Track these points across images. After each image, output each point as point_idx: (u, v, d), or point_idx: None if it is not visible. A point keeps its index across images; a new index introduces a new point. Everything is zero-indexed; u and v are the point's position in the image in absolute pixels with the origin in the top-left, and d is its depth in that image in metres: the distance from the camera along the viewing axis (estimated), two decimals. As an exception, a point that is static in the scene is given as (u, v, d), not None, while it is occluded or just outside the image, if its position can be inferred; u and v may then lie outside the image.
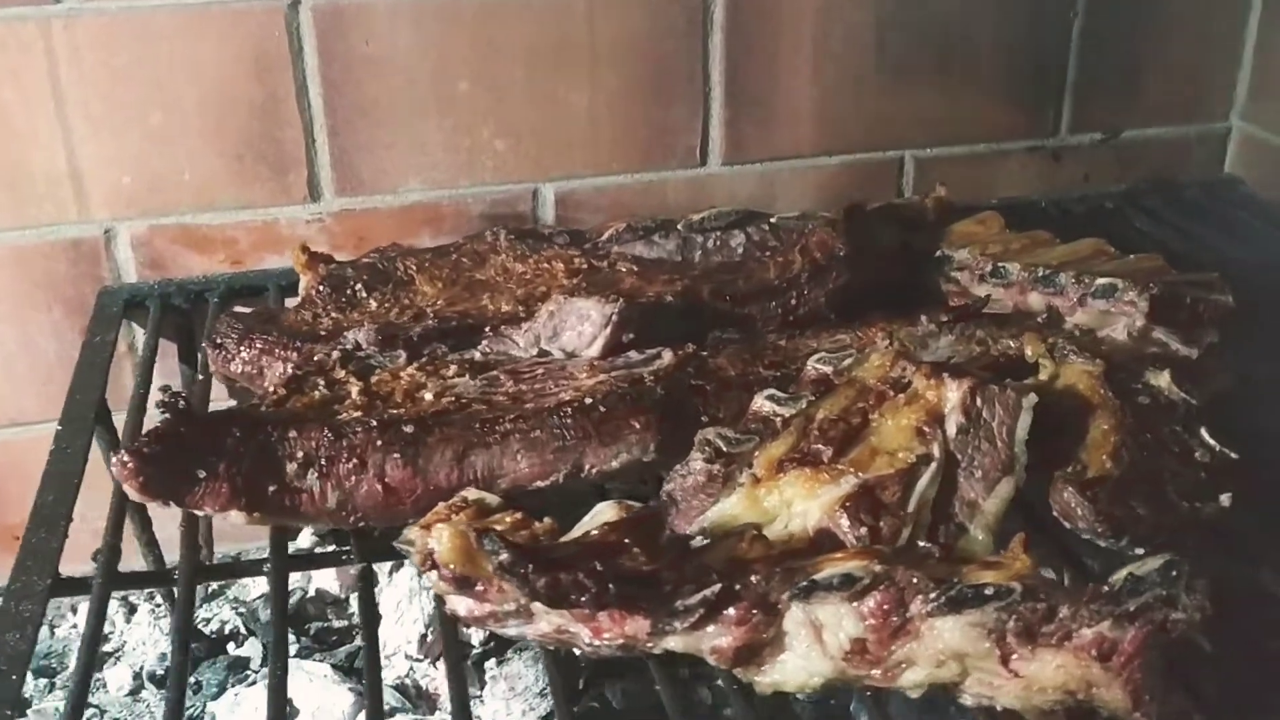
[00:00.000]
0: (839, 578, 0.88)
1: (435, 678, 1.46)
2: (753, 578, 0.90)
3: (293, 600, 1.57)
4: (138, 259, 1.54)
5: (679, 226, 1.48)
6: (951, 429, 1.07)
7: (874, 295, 1.42)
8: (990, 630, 0.87)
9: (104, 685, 1.48)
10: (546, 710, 1.38)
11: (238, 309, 1.38)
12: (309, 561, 1.38)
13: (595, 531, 0.93)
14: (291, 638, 1.49)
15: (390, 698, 1.42)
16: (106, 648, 1.54)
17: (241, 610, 1.58)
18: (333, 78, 1.52)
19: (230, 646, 1.53)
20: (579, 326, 1.25)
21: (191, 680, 1.46)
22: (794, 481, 1.03)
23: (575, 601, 0.87)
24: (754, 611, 0.90)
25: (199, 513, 1.02)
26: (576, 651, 0.96)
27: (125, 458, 0.99)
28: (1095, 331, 1.28)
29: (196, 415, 1.05)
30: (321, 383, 1.15)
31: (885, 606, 0.88)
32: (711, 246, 1.48)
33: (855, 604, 0.89)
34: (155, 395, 1.13)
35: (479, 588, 0.93)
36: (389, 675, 1.45)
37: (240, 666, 1.49)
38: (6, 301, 1.52)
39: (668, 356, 1.23)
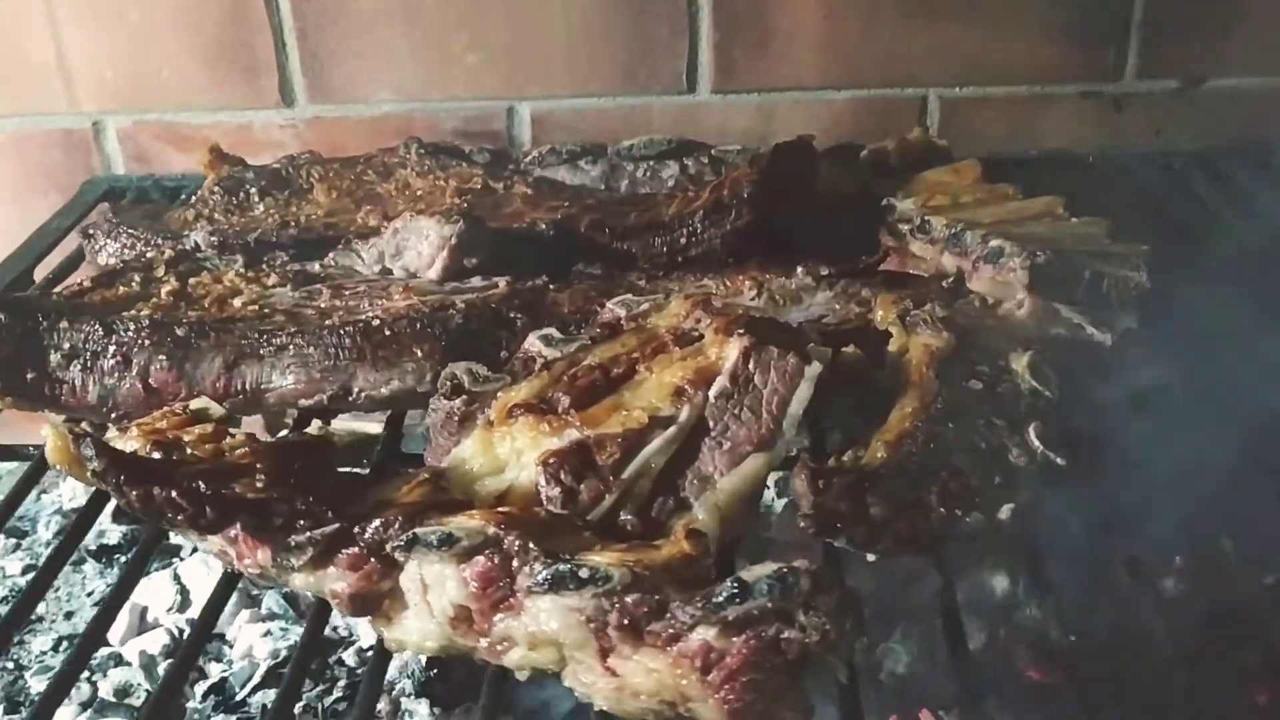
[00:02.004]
0: (439, 535, 0.79)
1: (333, 591, 1.45)
2: (374, 523, 0.83)
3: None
4: (125, 153, 1.60)
5: (608, 152, 1.38)
6: (714, 392, 0.94)
7: (815, 241, 1.28)
8: (589, 619, 0.76)
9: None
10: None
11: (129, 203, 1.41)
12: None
13: (239, 452, 0.88)
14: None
15: (274, 604, 1.43)
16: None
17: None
18: (299, -20, 1.51)
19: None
20: (419, 246, 1.19)
21: (121, 558, 1.54)
22: (523, 430, 0.94)
23: (171, 520, 0.83)
24: (369, 559, 0.83)
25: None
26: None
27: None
28: (1000, 303, 1.09)
29: (-41, 297, 1.07)
30: (138, 279, 1.16)
31: (491, 574, 0.79)
32: (641, 176, 1.38)
33: (461, 567, 0.80)
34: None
35: (154, 497, 0.91)
36: (288, 582, 1.46)
37: (170, 552, 1.54)
38: (10, 186, 1.62)
39: (502, 285, 1.16)
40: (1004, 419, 0.93)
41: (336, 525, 0.83)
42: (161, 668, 1.36)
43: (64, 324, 1.06)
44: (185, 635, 1.42)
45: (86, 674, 1.39)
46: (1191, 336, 1.04)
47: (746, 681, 0.73)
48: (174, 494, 0.82)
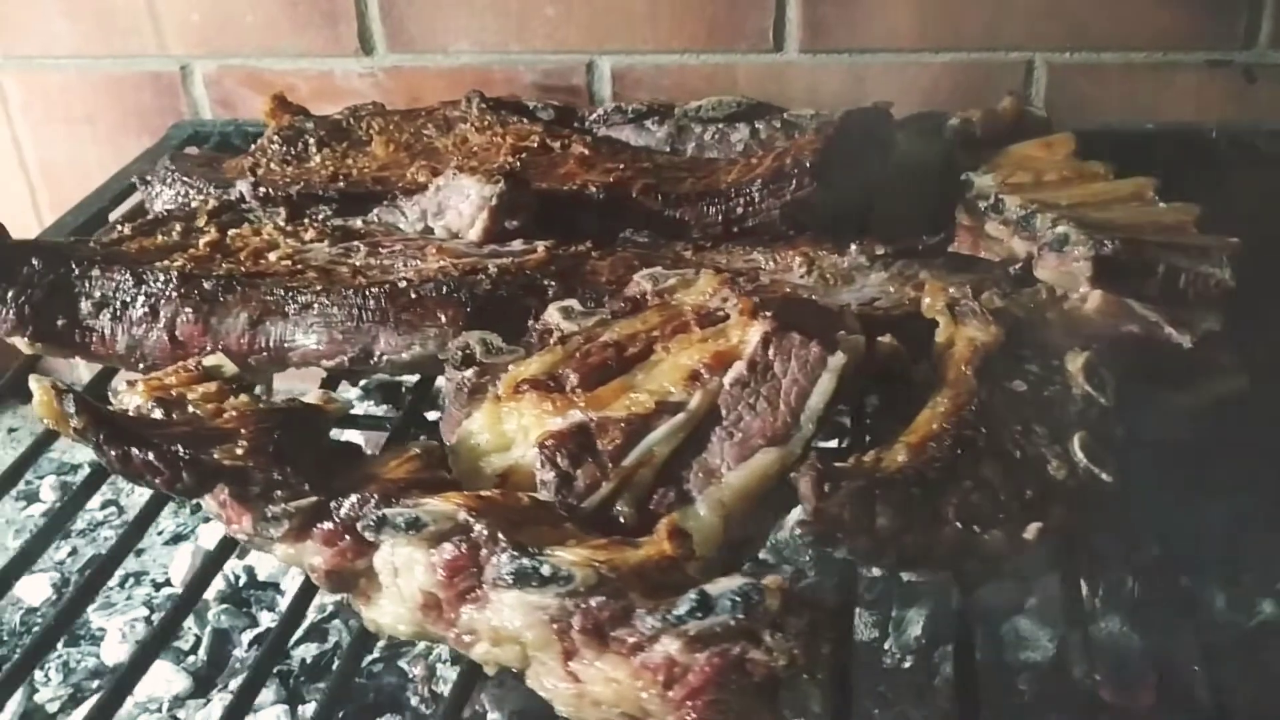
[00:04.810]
0: (406, 519, 0.75)
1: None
2: (350, 499, 0.80)
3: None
4: (210, 97, 1.60)
5: (675, 113, 1.31)
6: (729, 378, 0.88)
7: (887, 217, 1.20)
8: (554, 619, 0.71)
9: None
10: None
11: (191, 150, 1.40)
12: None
13: (226, 416, 0.86)
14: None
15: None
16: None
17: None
18: (379, -75, 1.48)
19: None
20: (460, 205, 1.15)
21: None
22: (528, 407, 0.90)
23: (149, 481, 0.81)
24: (344, 536, 0.80)
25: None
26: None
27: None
28: (1067, 295, 1.00)
29: (-4, 241, 1.07)
30: (179, 229, 1.15)
31: (459, 563, 0.75)
32: (709, 139, 1.31)
33: (430, 553, 0.76)
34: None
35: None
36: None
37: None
38: (105, 125, 1.64)
39: (540, 250, 1.11)
40: (1046, 426, 0.85)
41: (314, 499, 0.81)
42: (211, 614, 1.37)
43: (95, 272, 1.06)
44: (241, 583, 1.44)
45: (146, 612, 1.42)
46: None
47: (709, 701, 0.67)
48: (151, 456, 0.80)
